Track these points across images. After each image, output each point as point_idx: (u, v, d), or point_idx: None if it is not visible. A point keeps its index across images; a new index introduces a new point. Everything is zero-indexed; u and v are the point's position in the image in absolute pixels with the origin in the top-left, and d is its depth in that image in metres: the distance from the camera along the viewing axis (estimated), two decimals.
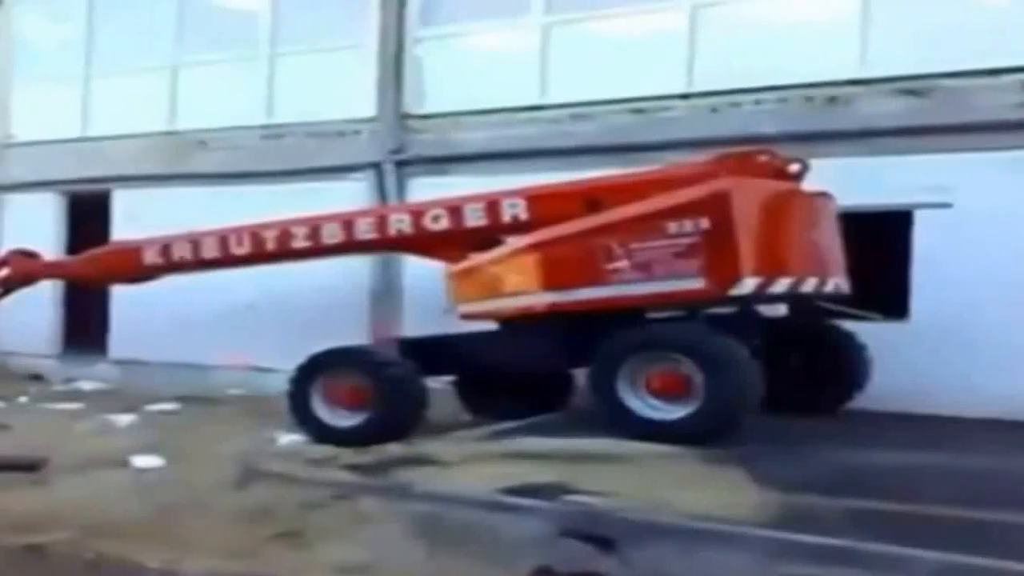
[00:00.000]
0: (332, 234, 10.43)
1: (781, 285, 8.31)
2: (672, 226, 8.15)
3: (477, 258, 9.60)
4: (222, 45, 14.52)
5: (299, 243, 10.54)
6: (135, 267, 11.56)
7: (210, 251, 10.97)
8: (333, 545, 5.81)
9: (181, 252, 11.13)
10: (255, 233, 10.78)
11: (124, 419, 10.65)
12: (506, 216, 9.64)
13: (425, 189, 11.94)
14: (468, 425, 9.31)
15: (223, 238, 10.92)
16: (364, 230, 10.34)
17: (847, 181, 9.48)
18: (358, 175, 12.87)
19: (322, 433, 9.11)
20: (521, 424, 8.69)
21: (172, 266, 11.32)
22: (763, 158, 9.10)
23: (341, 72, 13.57)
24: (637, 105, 11.37)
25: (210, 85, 14.53)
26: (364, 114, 13.03)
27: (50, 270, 12.90)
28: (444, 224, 9.91)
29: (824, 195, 9.25)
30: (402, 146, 12.74)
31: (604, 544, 5.23)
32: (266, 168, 13.41)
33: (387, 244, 10.61)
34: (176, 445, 8.78)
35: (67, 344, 15.52)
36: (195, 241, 11.10)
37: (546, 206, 9.48)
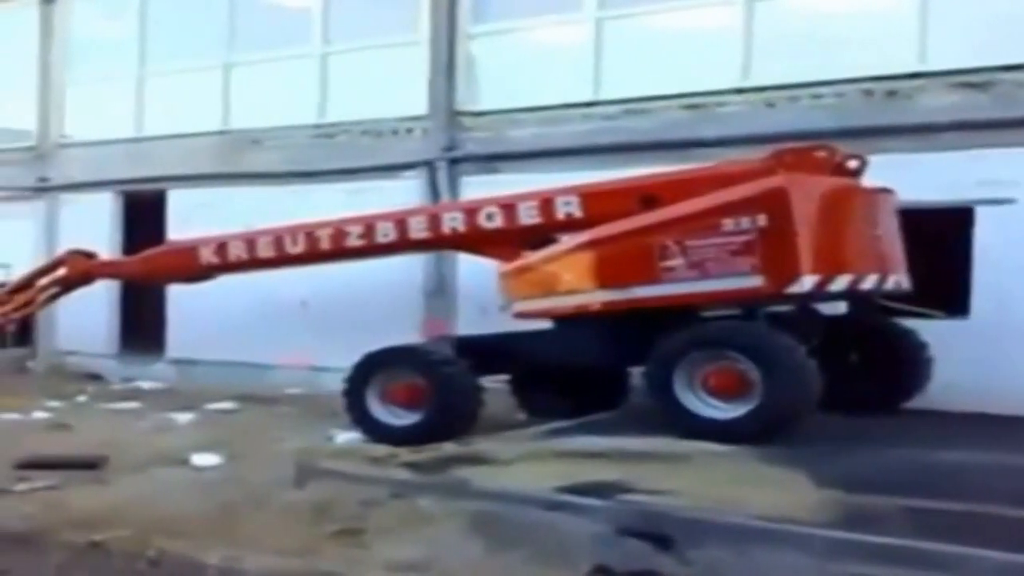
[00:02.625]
0: (386, 233, 10.53)
1: (841, 283, 8.29)
2: (728, 223, 8.15)
3: (531, 256, 9.64)
4: (275, 43, 14.72)
5: (353, 242, 10.67)
6: (191, 266, 11.76)
7: (265, 250, 11.14)
8: (391, 543, 5.90)
9: (236, 251, 11.32)
10: (310, 232, 10.92)
11: (183, 418, 10.91)
12: (560, 214, 9.67)
13: (478, 187, 12.04)
14: (523, 424, 9.39)
15: (278, 237, 11.08)
16: (418, 229, 10.42)
17: (906, 177, 9.41)
18: (411, 173, 13.00)
19: (378, 432, 9.25)
20: (576, 423, 8.75)
21: (227, 265, 11.51)
22: (821, 154, 9.03)
23: (393, 70, 13.72)
24: (692, 100, 11.37)
25: (263, 84, 14.76)
26: (417, 112, 13.15)
27: (106, 270, 13.18)
28: (498, 222, 9.97)
29: (884, 191, 9.18)
30: (455, 144, 12.85)
31: (662, 543, 5.28)
32: (319, 167, 13.60)
33: (441, 242, 10.71)
34: (235, 443, 8.98)
35: (125, 344, 15.81)
36: (250, 240, 11.28)
37: (600, 204, 9.48)
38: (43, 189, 16.60)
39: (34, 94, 16.86)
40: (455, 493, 6.41)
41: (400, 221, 10.53)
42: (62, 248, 14.13)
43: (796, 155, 8.95)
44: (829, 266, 8.20)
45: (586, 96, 12.09)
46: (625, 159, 11.09)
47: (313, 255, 10.99)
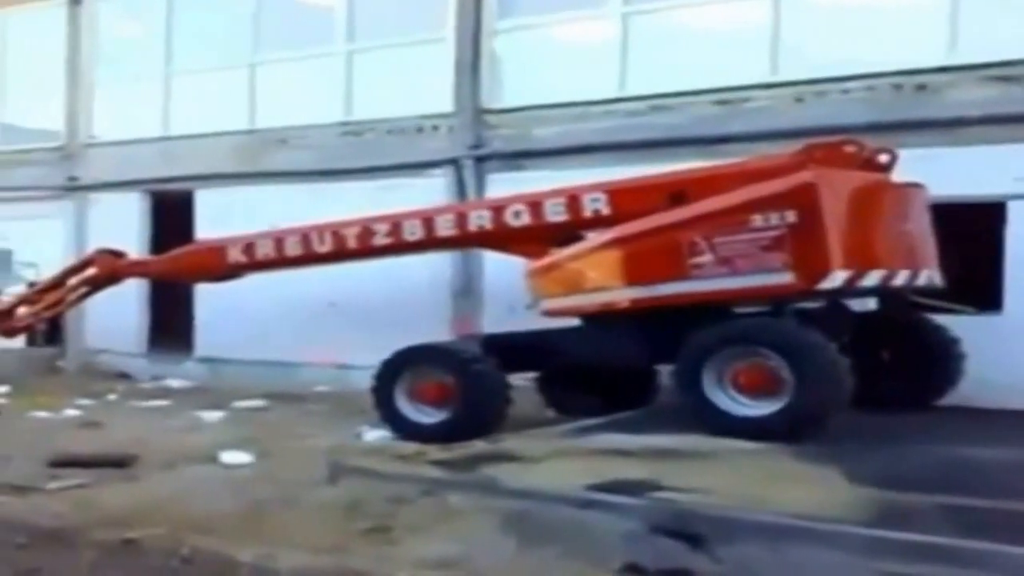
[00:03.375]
0: (413, 231, 10.56)
1: (872, 278, 8.26)
2: (757, 219, 8.12)
3: (558, 254, 9.65)
4: (300, 42, 14.79)
5: (380, 240, 10.71)
6: (219, 265, 11.85)
7: (292, 249, 11.20)
8: (422, 540, 5.89)
9: (264, 250, 11.40)
10: (336, 231, 10.97)
11: (212, 416, 10.97)
12: (587, 211, 9.66)
13: (504, 184, 12.07)
14: (551, 422, 9.38)
15: (305, 236, 11.14)
16: (444, 226, 10.45)
17: (937, 171, 9.34)
18: (437, 171, 13.04)
19: (406, 429, 9.31)
20: (605, 420, 8.76)
21: (255, 264, 11.59)
22: (850, 148, 8.96)
23: (419, 67, 13.77)
24: (719, 96, 11.34)
25: (289, 83, 14.81)
26: (442, 109, 13.18)
27: (135, 269, 13.29)
28: (525, 220, 9.97)
29: (915, 185, 9.10)
30: (480, 141, 12.88)
31: (694, 541, 5.27)
32: (346, 165, 13.65)
33: (468, 240, 10.72)
34: (264, 441, 9.01)
35: (154, 343, 15.94)
36: (278, 239, 11.34)
37: (628, 200, 9.45)
38: (72, 189, 16.74)
39: (62, 94, 16.99)
40: (485, 491, 6.41)
41: (427, 219, 10.56)
42: (91, 247, 14.28)
43: (825, 150, 8.90)
44: (860, 262, 8.16)
45: (612, 92, 12.09)
46: (651, 155, 11.09)
47: (340, 254, 11.04)
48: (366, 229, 10.78)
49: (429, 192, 12.56)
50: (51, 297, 13.44)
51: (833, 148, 8.94)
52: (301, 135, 14.41)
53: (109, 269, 13.00)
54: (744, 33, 11.49)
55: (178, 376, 14.52)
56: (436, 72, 13.28)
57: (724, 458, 6.98)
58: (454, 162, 12.92)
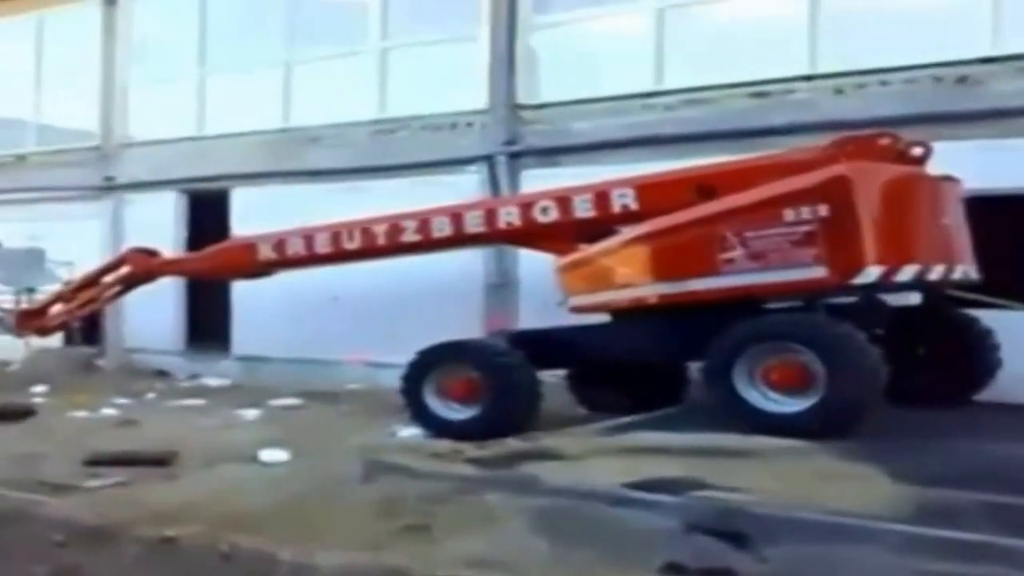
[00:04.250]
0: (441, 228, 10.63)
1: (907, 273, 8.12)
2: (789, 213, 8.04)
3: (587, 249, 9.64)
4: (333, 41, 14.85)
5: (409, 237, 10.79)
6: (250, 262, 11.97)
7: (323, 246, 11.30)
8: (460, 538, 5.86)
9: (295, 248, 11.51)
10: (366, 228, 11.03)
11: (249, 414, 11.03)
12: (616, 206, 9.65)
13: (539, 180, 11.99)
14: (586, 420, 9.35)
15: (335, 233, 11.23)
16: (473, 223, 10.51)
17: (979, 164, 9.22)
18: (471, 168, 13.04)
19: (436, 426, 9.37)
20: (641, 418, 8.72)
21: (286, 261, 11.69)
22: (884, 141, 8.85)
23: (453, 64, 13.79)
24: (758, 88, 11.26)
25: (322, 81, 14.87)
26: (477, 106, 13.18)
27: (168, 267, 13.44)
28: (553, 216, 10.00)
29: (950, 179, 8.95)
30: (515, 137, 12.85)
31: (737, 540, 5.22)
32: (379, 163, 13.68)
33: (496, 237, 10.75)
34: (301, 439, 9.02)
35: (191, 341, 16.08)
36: (308, 236, 11.44)
37: (657, 195, 9.43)
38: (108, 188, 16.91)
39: (97, 95, 17.18)
40: (522, 489, 6.38)
41: (456, 215, 10.62)
42: (127, 246, 14.39)
43: (858, 143, 8.82)
44: (895, 256, 8.04)
45: (647, 86, 12.05)
46: (688, 149, 11.04)
47: (370, 251, 11.14)
48: (395, 226, 10.86)
49: (463, 189, 12.52)
50: (85, 296, 13.60)
51: (866, 141, 8.84)
52: (335, 133, 14.46)
53: (143, 267, 13.16)
54: (782, 26, 11.42)
55: (215, 374, 14.61)
56: (470, 69, 13.30)
57: (763, 456, 6.91)
58: (488, 159, 12.91)
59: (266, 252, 11.75)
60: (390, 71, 14.19)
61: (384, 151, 13.81)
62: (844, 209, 7.88)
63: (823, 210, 7.91)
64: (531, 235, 10.32)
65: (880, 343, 8.06)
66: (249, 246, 12.02)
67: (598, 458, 7.06)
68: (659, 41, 12.04)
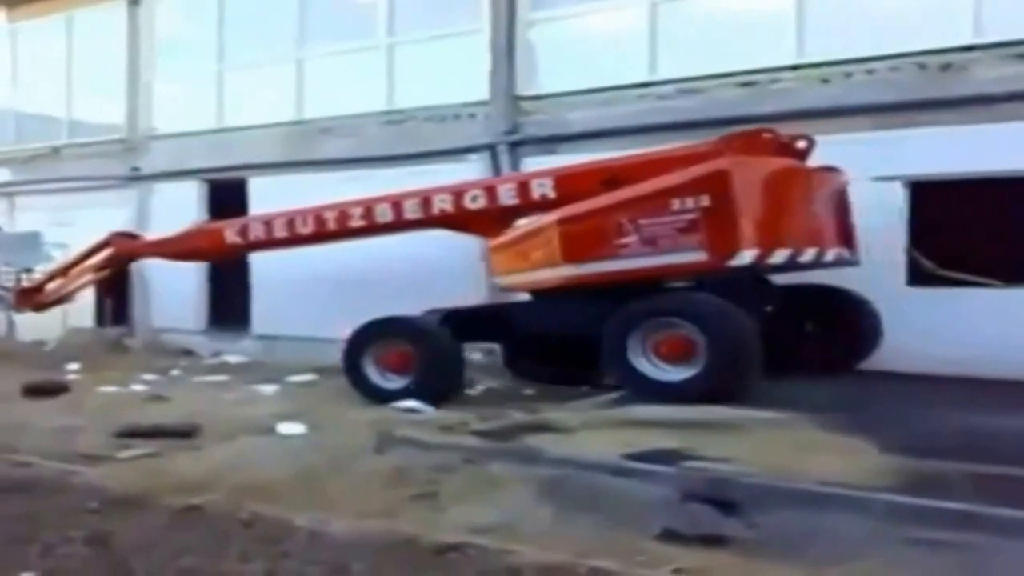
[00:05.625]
0: (383, 214, 11.04)
1: (779, 256, 8.49)
2: (676, 203, 8.41)
3: (510, 233, 10.00)
4: (343, 36, 14.75)
5: (356, 223, 11.22)
6: (218, 246, 12.46)
7: (280, 231, 11.77)
8: (466, 507, 5.88)
9: (256, 232, 12.04)
10: (318, 215, 11.55)
11: (267, 389, 11.00)
12: (535, 195, 10.05)
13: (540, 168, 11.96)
14: (585, 395, 9.28)
15: (291, 219, 11.75)
16: (411, 210, 10.86)
17: (962, 148, 9.13)
18: (474, 156, 12.94)
19: (373, 394, 9.71)
20: None
21: (249, 245, 12.27)
22: (767, 136, 9.17)
23: (456, 58, 13.65)
24: (747, 78, 11.14)
25: (333, 75, 14.79)
26: (479, 97, 13.07)
27: (147, 249, 13.80)
28: (481, 203, 10.38)
29: (831, 169, 9.31)
30: (516, 127, 12.76)
31: (729, 508, 5.19)
32: (387, 152, 13.58)
33: (432, 222, 10.95)
34: (316, 413, 8.99)
35: (213, 321, 16.05)
36: (268, 222, 12.01)
37: (571, 185, 9.84)
38: (134, 179, 16.86)
39: (123, 90, 17.11)
40: (525, 459, 6.37)
41: (396, 204, 10.98)
42: (154, 227, 14.93)
43: (744, 138, 9.16)
44: (767, 242, 8.39)
45: (642, 77, 11.92)
46: (681, 137, 10.87)
47: (322, 235, 11.62)
48: (343, 213, 11.31)
49: (467, 176, 12.36)
50: (74, 274, 14.00)
51: (750, 136, 9.17)
52: (346, 124, 14.38)
53: (125, 249, 13.60)
54: (770, 16, 11.28)
55: (236, 352, 14.60)
56: (472, 62, 13.17)
57: (754, 429, 6.86)
58: (490, 147, 12.82)
59: (231, 236, 12.20)
60: (397, 65, 14.09)
61: (392, 141, 13.73)
62: (723, 199, 8.23)
63: (705, 200, 8.27)
64: (463, 220, 10.63)
65: (770, 319, 8.72)
66: (216, 231, 12.50)
67: (597, 431, 7.04)
68: (652, 33, 11.90)
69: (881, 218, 10.13)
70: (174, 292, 15.73)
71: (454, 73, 13.67)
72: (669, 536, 5.09)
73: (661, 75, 11.80)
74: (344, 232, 11.39)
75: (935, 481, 5.37)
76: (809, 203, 9.02)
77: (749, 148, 9.01)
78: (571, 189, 9.74)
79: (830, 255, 9.07)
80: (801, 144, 9.29)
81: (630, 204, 8.71)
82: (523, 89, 12.83)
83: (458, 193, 10.60)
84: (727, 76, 11.26)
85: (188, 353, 15.06)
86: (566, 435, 6.98)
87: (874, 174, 10.11)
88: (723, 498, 5.26)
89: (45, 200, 17.43)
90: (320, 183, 13.96)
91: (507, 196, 10.26)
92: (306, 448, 7.65)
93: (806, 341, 9.52)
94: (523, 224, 10.05)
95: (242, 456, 7.45)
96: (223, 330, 15.71)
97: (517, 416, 7.76)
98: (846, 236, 9.38)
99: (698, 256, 8.31)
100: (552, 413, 7.83)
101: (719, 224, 8.21)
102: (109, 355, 14.57)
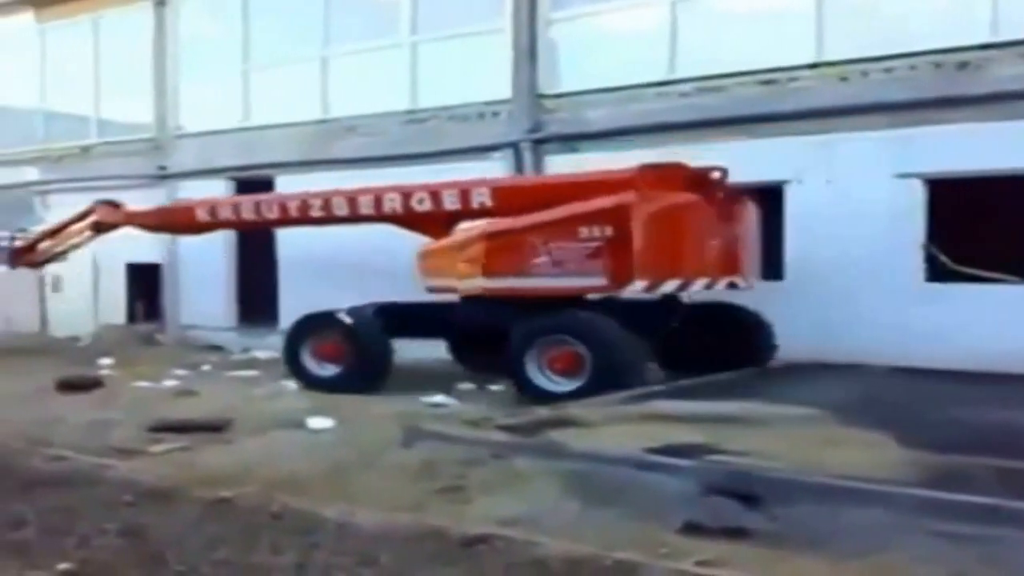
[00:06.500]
0: (340, 207, 11.54)
1: (669, 286, 9.31)
2: (584, 230, 9.13)
3: (439, 241, 10.54)
4: (367, 35, 14.79)
5: (316, 212, 11.79)
6: (190, 222, 13.20)
7: (248, 213, 12.49)
8: (493, 500, 5.89)
9: (225, 213, 12.79)
10: (282, 202, 12.23)
11: (295, 384, 11.04)
12: (474, 203, 10.50)
13: (561, 166, 12.00)
14: None
15: (258, 203, 12.44)
16: (365, 206, 11.30)
17: (980, 145, 9.07)
18: (497, 155, 12.95)
19: (309, 381, 10.64)
20: (659, 389, 8.70)
21: (218, 224, 13.02)
22: (677, 170, 9.59)
23: (478, 57, 13.68)
24: (766, 76, 11.11)
25: (357, 74, 14.84)
26: (501, 96, 13.09)
27: (127, 218, 14.27)
28: (427, 206, 10.81)
29: (738, 200, 9.90)
30: (538, 125, 12.76)
31: (751, 501, 5.20)
32: (411, 151, 13.60)
33: (382, 219, 11.33)
34: (342, 408, 9.06)
35: (242, 318, 16.15)
36: (236, 205, 12.85)
37: (506, 197, 10.35)
38: (162, 177, 16.96)
39: (151, 89, 17.20)
40: (550, 454, 6.39)
41: (351, 199, 11.44)
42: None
43: (657, 171, 9.53)
44: (659, 272, 9.15)
45: (662, 75, 11.91)
46: (700, 135, 10.97)
47: (286, 220, 12.32)
48: (304, 202, 11.88)
49: (490, 175, 12.42)
50: (62, 237, 14.79)
51: (665, 169, 9.59)
52: (369, 123, 14.42)
53: (107, 217, 14.15)
54: (789, 15, 11.25)
55: (264, 348, 14.58)
56: (495, 61, 13.20)
57: (775, 424, 6.86)
58: (513, 145, 12.83)
59: (202, 215, 12.89)
60: (420, 64, 14.11)
61: (416, 140, 13.77)
62: (623, 232, 8.98)
63: (608, 231, 9.03)
64: (410, 220, 11.05)
65: (679, 331, 9.78)
66: (188, 208, 13.22)
67: (620, 425, 7.04)
68: (672, 32, 11.88)
69: (899, 215, 10.09)
70: (204, 289, 15.88)
71: (477, 72, 13.70)
72: (692, 529, 5.09)
73: (681, 73, 11.77)
74: (305, 220, 12.00)
75: (957, 475, 5.35)
76: (705, 236, 9.61)
77: (661, 181, 9.44)
78: (507, 201, 10.30)
79: (721, 284, 9.78)
80: (715, 175, 9.71)
81: (545, 227, 9.40)
82: (545, 87, 12.84)
83: (407, 195, 11.01)
84: (746, 74, 11.23)
85: (218, 349, 15.16)
86: (589, 429, 6.98)
87: (892, 171, 10.08)
88: (745, 491, 5.27)
89: (75, 198, 17.39)
90: (345, 181, 13.85)
91: (449, 201, 10.67)
92: (335, 442, 7.73)
93: (708, 347, 10.11)
94: (460, 230, 10.61)
95: (272, 450, 7.53)
96: (252, 326, 15.79)
97: (541, 411, 7.76)
98: (743, 264, 10.00)
99: (598, 281, 9.10)
100: (575, 408, 7.83)
101: (618, 254, 8.95)
102: (141, 350, 14.74)
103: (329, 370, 10.60)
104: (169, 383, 11.48)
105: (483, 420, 7.73)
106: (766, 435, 6.49)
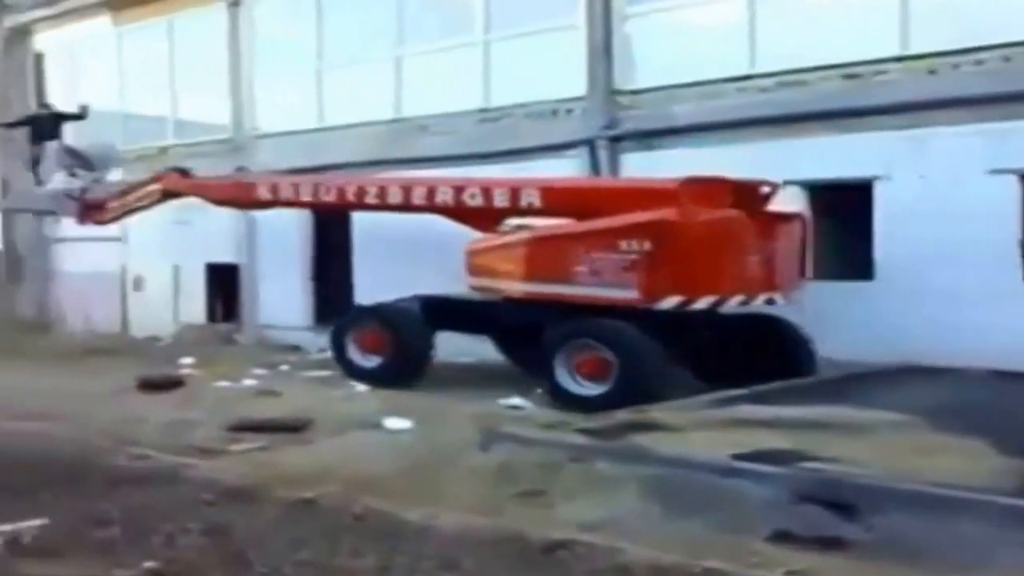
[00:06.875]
0: (395, 196, 11.90)
1: (704, 302, 9.35)
2: (623, 243, 9.37)
3: (486, 241, 10.88)
4: (439, 35, 14.84)
5: (371, 199, 12.17)
6: (251, 199, 13.77)
7: (305, 195, 12.93)
8: (573, 504, 5.87)
9: (286, 193, 13.21)
10: (340, 186, 12.63)
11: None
12: (523, 202, 10.68)
13: (637, 163, 11.89)
14: (691, 392, 9.22)
15: (316, 185, 12.92)
16: (418, 196, 11.61)
17: None
18: (572, 152, 12.86)
19: (355, 373, 11.20)
20: (744, 392, 8.56)
21: (278, 202, 13.45)
22: (723, 185, 9.61)
23: (552, 53, 13.56)
24: (850, 70, 10.81)
25: (430, 73, 14.86)
26: (576, 93, 12.98)
27: (191, 189, 14.73)
28: (478, 202, 11.04)
29: (785, 216, 9.90)
30: (614, 122, 12.61)
31: (845, 510, 5.07)
32: (484, 150, 13.55)
33: (434, 210, 11.58)
34: (420, 408, 9.14)
35: (319, 317, 16.18)
36: (295, 184, 13.21)
37: (554, 198, 10.56)
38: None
39: (226, 90, 17.47)
40: (632, 458, 6.33)
41: (406, 188, 11.83)
42: (259, 229, 15.73)
43: (700, 184, 9.55)
44: (693, 289, 9.28)
45: (741, 70, 11.68)
46: (782, 131, 10.76)
47: (342, 205, 12.93)
48: (360, 188, 12.31)
49: (565, 173, 12.39)
50: (130, 200, 15.26)
51: (708, 183, 9.60)
52: (442, 122, 14.44)
53: (172, 184, 14.68)
54: (874, 7, 10.92)
55: None
56: (569, 57, 13.08)
57: (866, 430, 6.71)
58: (589, 143, 12.72)
59: (263, 192, 13.42)
60: (493, 62, 14.09)
61: (489, 138, 13.74)
62: (661, 247, 9.18)
63: (646, 245, 9.23)
64: (460, 214, 11.25)
65: (710, 343, 9.89)
66: (251, 185, 13.83)
67: (704, 430, 6.96)
68: (752, 25, 11.65)
69: (993, 212, 9.78)
70: (281, 289, 16.09)
71: (550, 69, 13.59)
72: (781, 538, 5.01)
73: (761, 68, 11.54)
74: (358, 205, 12.52)
75: None
76: (744, 253, 9.60)
77: (704, 194, 9.50)
78: (555, 203, 10.57)
79: (758, 300, 9.78)
80: (764, 189, 9.76)
81: (587, 237, 9.74)
82: (621, 84, 12.69)
83: (459, 189, 11.25)
84: (830, 68, 10.95)
85: (295, 349, 15.32)
86: (673, 434, 6.91)
87: (985, 167, 9.76)
88: (838, 500, 5.14)
89: None
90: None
91: (501, 199, 10.87)
92: (413, 443, 7.80)
93: (743, 359, 9.97)
94: (508, 227, 10.96)
95: (351, 450, 7.63)
96: (328, 326, 15.93)
97: (622, 415, 7.69)
98: (783, 280, 9.96)
99: (631, 294, 9.30)
100: (658, 412, 7.75)
101: (653, 269, 9.16)
102: (220, 350, 15.00)
103: (372, 361, 11.11)
104: (248, 383, 11.68)
105: (561, 423, 7.70)
106: (857, 441, 6.35)
